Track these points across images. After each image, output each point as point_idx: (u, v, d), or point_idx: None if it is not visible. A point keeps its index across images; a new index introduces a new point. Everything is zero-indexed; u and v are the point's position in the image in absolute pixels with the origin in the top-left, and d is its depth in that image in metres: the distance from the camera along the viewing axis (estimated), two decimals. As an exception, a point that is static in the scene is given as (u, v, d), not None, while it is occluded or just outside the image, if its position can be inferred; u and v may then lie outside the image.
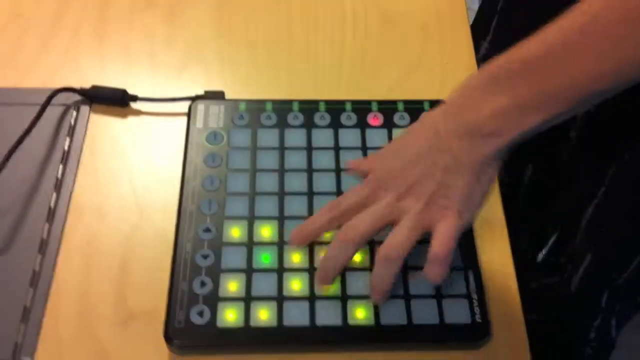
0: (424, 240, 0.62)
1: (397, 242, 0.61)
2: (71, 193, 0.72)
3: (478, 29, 0.99)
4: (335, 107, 0.77)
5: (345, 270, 0.65)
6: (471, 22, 1.00)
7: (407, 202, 0.62)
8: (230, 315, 0.63)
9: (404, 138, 0.65)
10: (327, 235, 0.67)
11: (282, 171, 0.72)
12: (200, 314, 0.63)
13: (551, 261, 0.95)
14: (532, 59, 0.56)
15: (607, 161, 0.81)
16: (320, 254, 0.66)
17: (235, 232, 0.68)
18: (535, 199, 0.98)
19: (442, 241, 0.60)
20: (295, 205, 0.70)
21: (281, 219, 0.69)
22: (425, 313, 0.64)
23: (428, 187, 0.61)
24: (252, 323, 0.63)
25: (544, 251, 0.97)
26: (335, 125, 0.75)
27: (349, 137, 0.74)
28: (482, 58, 0.98)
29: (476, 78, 0.60)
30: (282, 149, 0.73)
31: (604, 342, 0.85)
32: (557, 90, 0.56)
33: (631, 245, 0.82)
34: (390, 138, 0.74)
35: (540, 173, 0.95)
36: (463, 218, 0.61)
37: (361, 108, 0.77)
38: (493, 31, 0.95)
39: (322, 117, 0.76)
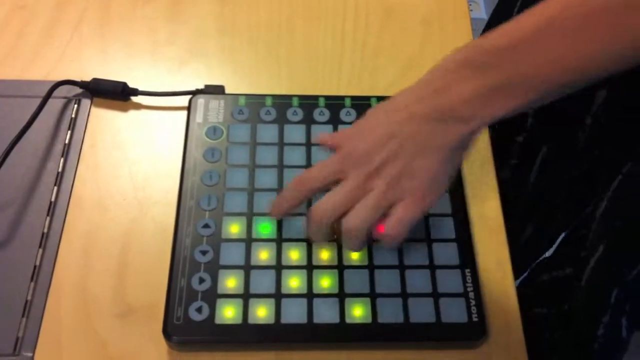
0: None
1: (356, 219, 0.63)
2: (72, 187, 0.73)
3: (499, 16, 0.99)
4: (334, 103, 0.77)
5: (343, 269, 0.66)
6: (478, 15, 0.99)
7: (373, 182, 0.63)
8: (228, 312, 0.63)
9: (373, 118, 0.65)
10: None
11: (281, 167, 0.72)
12: (199, 310, 0.63)
13: (563, 254, 0.95)
14: (505, 47, 0.57)
15: (623, 154, 0.81)
16: (320, 253, 0.67)
17: (234, 228, 0.68)
18: (546, 190, 0.98)
19: (395, 223, 0.62)
20: (294, 202, 0.70)
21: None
22: (422, 312, 0.64)
23: (394, 168, 0.62)
24: (250, 320, 0.63)
25: (555, 244, 0.97)
26: (335, 121, 0.75)
27: (349, 133, 0.75)
28: None
29: (449, 62, 0.60)
30: (281, 144, 0.74)
31: (613, 340, 0.84)
32: (528, 79, 0.57)
33: None
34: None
35: (554, 163, 0.95)
36: (424, 203, 0.62)
37: (360, 104, 0.77)
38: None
39: (321, 113, 0.76)
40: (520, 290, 0.69)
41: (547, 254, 1.02)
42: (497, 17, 1.00)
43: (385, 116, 0.64)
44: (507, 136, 0.94)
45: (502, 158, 0.89)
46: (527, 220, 1.01)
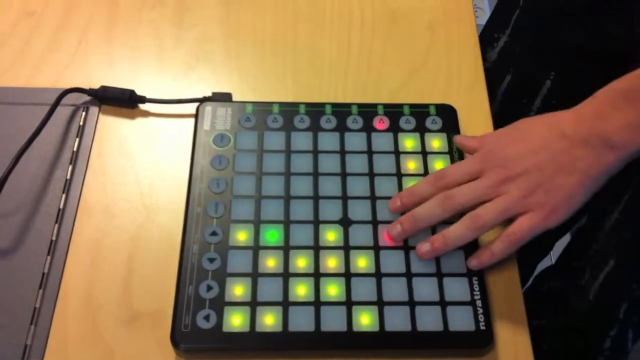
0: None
1: (487, 214, 0.65)
2: (80, 194, 0.73)
3: (496, 22, 0.99)
4: (341, 110, 0.77)
5: (350, 276, 0.66)
6: (484, 20, 0.99)
7: (509, 186, 0.65)
8: (236, 320, 0.64)
9: (522, 130, 0.67)
10: (332, 238, 0.68)
11: (288, 174, 0.72)
12: (207, 318, 0.64)
13: (562, 265, 0.94)
14: None
15: (634, 167, 0.81)
16: (327, 260, 0.67)
17: (242, 235, 0.68)
18: None
19: (520, 229, 0.64)
20: (301, 210, 0.70)
21: (287, 223, 0.69)
22: (429, 320, 0.64)
23: (534, 179, 0.64)
24: (258, 328, 0.63)
25: (552, 255, 0.97)
26: (341, 128, 0.76)
27: (355, 140, 0.75)
28: (500, 51, 0.97)
29: (606, 92, 0.62)
30: (288, 152, 0.74)
31: (619, 352, 0.85)
32: None
33: None
34: (395, 142, 0.75)
35: None
36: (550, 220, 0.64)
37: (367, 111, 0.77)
38: (513, 24, 0.95)
39: (328, 120, 0.76)
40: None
41: (548, 264, 1.02)
42: (494, 22, 1.00)
43: (540, 129, 0.66)
44: None
45: None
46: None
